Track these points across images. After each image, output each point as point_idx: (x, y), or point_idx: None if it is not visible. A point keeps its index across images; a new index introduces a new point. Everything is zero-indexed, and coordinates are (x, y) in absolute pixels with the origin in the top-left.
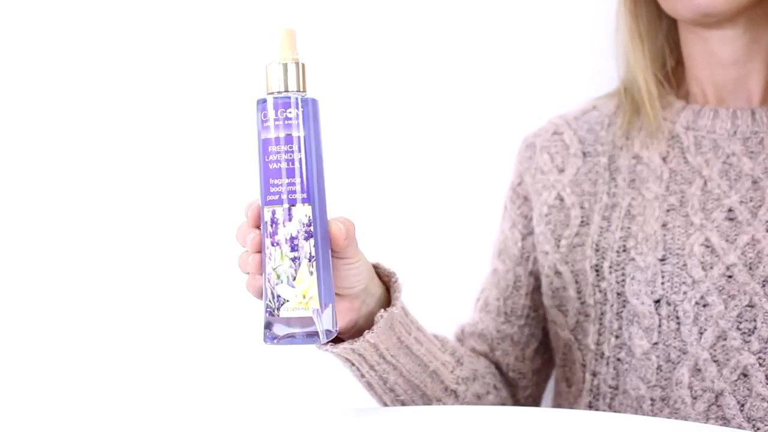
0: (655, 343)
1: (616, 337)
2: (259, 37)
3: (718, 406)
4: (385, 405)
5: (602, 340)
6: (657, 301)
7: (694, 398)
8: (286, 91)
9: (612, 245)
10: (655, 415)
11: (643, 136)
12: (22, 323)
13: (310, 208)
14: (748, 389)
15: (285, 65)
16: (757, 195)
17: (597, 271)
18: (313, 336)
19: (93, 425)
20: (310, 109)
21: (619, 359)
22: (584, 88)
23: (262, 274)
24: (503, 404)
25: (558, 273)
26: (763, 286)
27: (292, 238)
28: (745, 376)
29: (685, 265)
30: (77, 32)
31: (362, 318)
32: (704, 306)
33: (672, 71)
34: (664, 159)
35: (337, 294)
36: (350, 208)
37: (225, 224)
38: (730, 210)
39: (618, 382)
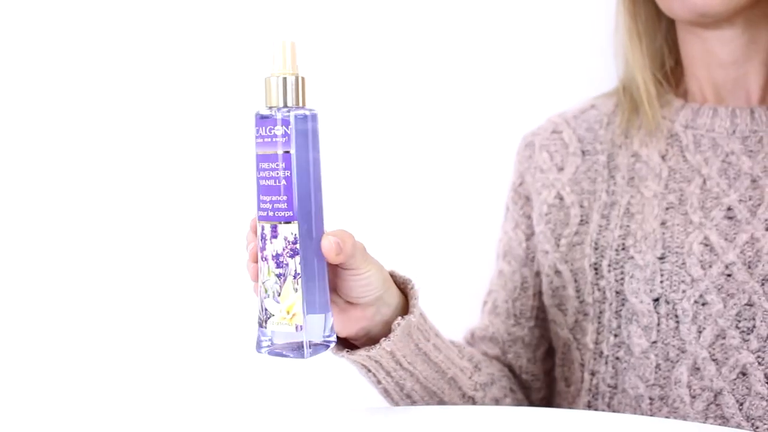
0: (654, 342)
1: (615, 335)
2: (267, 46)
3: (717, 405)
4: None
5: (601, 339)
6: (656, 300)
7: (693, 397)
8: (285, 106)
9: (611, 243)
10: (653, 414)
11: (642, 135)
12: (19, 324)
13: (296, 225)
14: (747, 388)
15: (282, 79)
16: (756, 194)
17: (596, 269)
18: (297, 351)
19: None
20: (304, 125)
21: (617, 358)
22: (583, 88)
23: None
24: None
25: (558, 272)
26: (762, 284)
27: (278, 255)
28: (744, 374)
29: (684, 263)
30: (79, 41)
31: (377, 326)
32: (703, 305)
33: (671, 71)
34: (663, 157)
35: (347, 302)
36: (349, 211)
37: (229, 224)
38: (729, 208)
39: (617, 381)
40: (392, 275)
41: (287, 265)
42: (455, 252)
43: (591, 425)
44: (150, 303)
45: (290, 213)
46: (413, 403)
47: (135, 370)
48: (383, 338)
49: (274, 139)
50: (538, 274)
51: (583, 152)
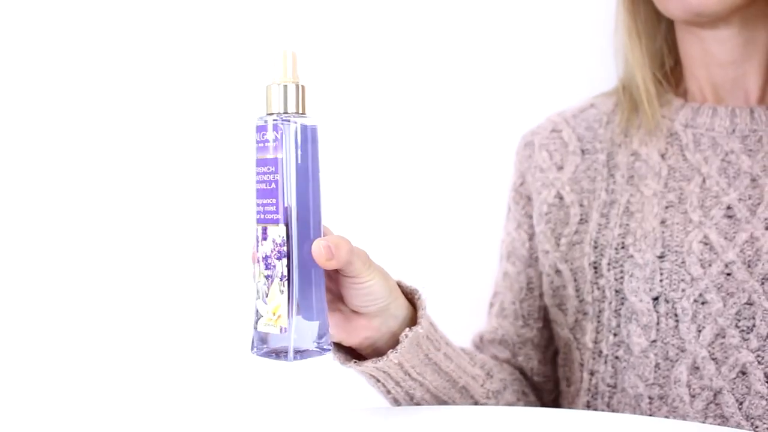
0: (654, 341)
1: (615, 335)
2: (270, 55)
3: (717, 404)
4: None
5: (600, 338)
6: (655, 299)
7: (693, 396)
8: (285, 112)
9: (610, 242)
10: (653, 413)
11: (642, 134)
12: (18, 324)
13: (284, 228)
14: (746, 387)
15: (282, 87)
16: (756, 193)
17: (595, 268)
18: (281, 354)
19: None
20: (294, 131)
21: (617, 357)
22: (583, 87)
23: None
24: None
25: (558, 272)
26: (762, 283)
27: (266, 257)
28: (744, 374)
29: (683, 262)
30: (84, 47)
31: (384, 337)
32: (703, 303)
33: (671, 70)
34: (662, 156)
35: (353, 311)
36: (350, 216)
37: (229, 225)
38: (728, 207)
39: (616, 380)
40: (399, 285)
41: (274, 267)
42: (457, 253)
43: (591, 425)
44: (150, 303)
45: (279, 216)
46: None
47: (135, 370)
48: (390, 350)
49: (266, 144)
50: (542, 274)
51: (583, 151)
